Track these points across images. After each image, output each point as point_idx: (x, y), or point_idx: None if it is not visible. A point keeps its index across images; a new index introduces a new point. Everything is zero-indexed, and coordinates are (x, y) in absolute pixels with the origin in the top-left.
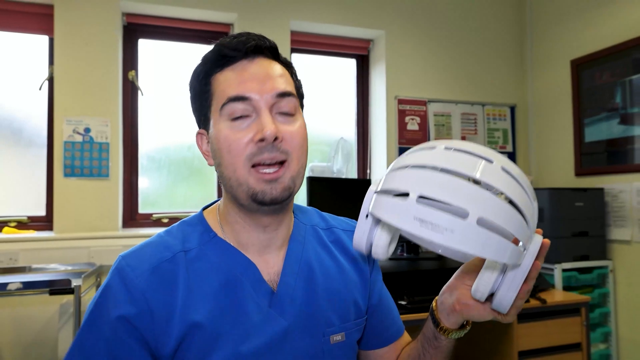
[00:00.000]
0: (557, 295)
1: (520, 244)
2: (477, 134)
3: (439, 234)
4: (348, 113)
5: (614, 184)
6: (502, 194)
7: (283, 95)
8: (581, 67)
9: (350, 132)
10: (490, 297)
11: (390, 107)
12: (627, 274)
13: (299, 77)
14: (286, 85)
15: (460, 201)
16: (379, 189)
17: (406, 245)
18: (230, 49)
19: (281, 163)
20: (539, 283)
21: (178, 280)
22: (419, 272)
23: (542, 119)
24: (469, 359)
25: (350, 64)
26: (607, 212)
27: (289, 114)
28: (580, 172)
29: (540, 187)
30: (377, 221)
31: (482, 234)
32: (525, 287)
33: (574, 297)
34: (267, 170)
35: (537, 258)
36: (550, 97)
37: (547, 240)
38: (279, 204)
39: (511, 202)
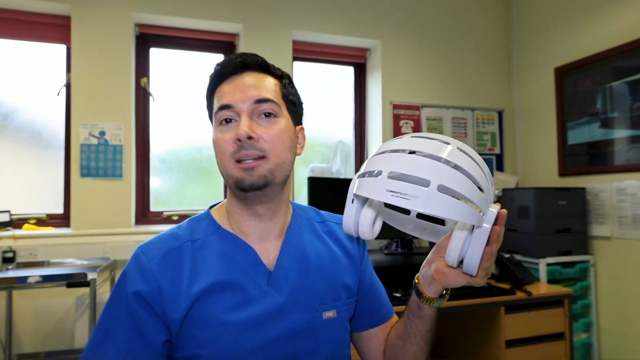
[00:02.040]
0: (542, 288)
1: (480, 210)
2: (467, 137)
3: (407, 200)
4: (346, 117)
5: (595, 183)
6: (458, 167)
7: (260, 101)
8: (564, 75)
9: (348, 135)
10: (462, 264)
11: (386, 112)
12: (607, 268)
13: (293, 87)
14: (266, 92)
15: (422, 173)
16: (359, 173)
17: (400, 242)
18: (222, 67)
19: (260, 158)
20: (525, 276)
21: (184, 264)
22: (412, 266)
23: (527, 123)
24: (458, 348)
25: (348, 72)
26: (588, 210)
27: (269, 117)
28: (563, 172)
29: (526, 186)
30: (362, 205)
31: (443, 198)
32: (488, 249)
33: (558, 289)
34: (246, 160)
35: (496, 224)
36: (536, 103)
37: (504, 210)
38: (260, 190)
39: (466, 174)
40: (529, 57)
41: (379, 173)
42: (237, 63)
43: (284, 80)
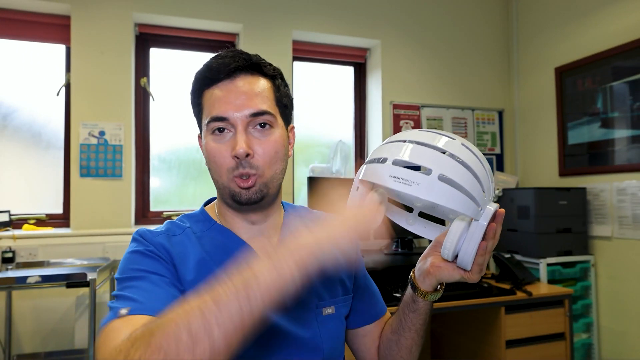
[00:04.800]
0: (542, 288)
1: (478, 205)
2: (467, 137)
3: (408, 186)
4: (346, 117)
5: (595, 183)
6: (460, 161)
7: (256, 114)
8: (564, 74)
9: (348, 135)
10: (457, 259)
11: (386, 112)
12: (608, 267)
13: (286, 85)
14: (262, 103)
15: (425, 162)
16: (367, 160)
17: (400, 242)
18: (213, 71)
19: (254, 175)
20: (525, 277)
21: (188, 246)
22: (412, 266)
23: (528, 123)
24: (459, 348)
25: (349, 71)
26: (588, 210)
27: (264, 128)
28: (563, 172)
29: (526, 186)
30: (366, 194)
31: (443, 187)
32: (483, 244)
33: (558, 289)
34: (242, 179)
35: (494, 221)
36: (536, 103)
37: (503, 210)
38: (256, 204)
39: (468, 168)
40: (529, 57)
41: (384, 160)
42: (230, 69)
43: (277, 80)
